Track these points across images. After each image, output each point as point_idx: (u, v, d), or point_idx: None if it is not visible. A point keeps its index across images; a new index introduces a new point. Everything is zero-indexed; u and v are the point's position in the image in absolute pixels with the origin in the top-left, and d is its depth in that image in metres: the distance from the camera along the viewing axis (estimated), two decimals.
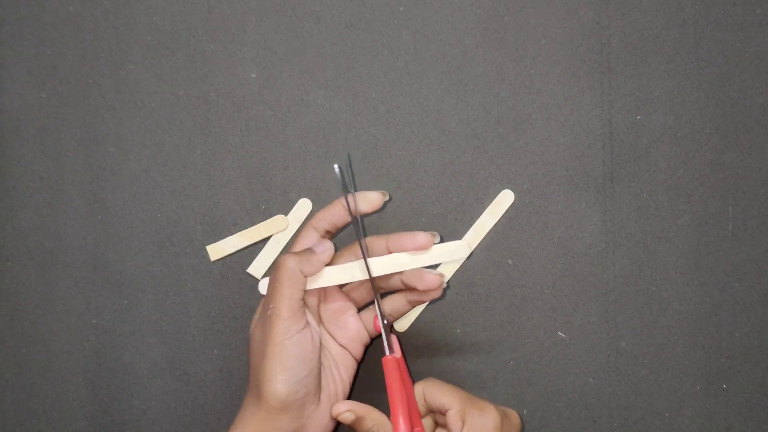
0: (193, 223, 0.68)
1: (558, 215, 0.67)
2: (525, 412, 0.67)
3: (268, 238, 0.68)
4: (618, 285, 0.67)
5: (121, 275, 0.68)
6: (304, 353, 0.58)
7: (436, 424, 0.63)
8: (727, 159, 0.67)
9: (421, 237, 0.61)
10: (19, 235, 0.68)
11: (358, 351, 0.64)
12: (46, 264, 0.68)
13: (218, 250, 0.68)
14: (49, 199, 0.68)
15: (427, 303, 0.67)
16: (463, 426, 0.59)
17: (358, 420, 0.60)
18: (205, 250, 0.68)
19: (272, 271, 0.59)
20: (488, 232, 0.67)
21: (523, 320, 0.67)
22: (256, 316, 0.62)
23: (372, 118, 0.68)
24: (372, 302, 0.64)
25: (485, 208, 0.67)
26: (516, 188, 0.67)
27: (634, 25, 0.67)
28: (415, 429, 0.60)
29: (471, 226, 0.67)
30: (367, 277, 0.61)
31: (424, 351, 0.68)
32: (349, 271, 0.61)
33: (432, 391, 0.61)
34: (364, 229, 0.61)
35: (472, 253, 0.66)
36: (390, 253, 0.62)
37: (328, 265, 0.61)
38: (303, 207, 0.68)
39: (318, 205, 0.68)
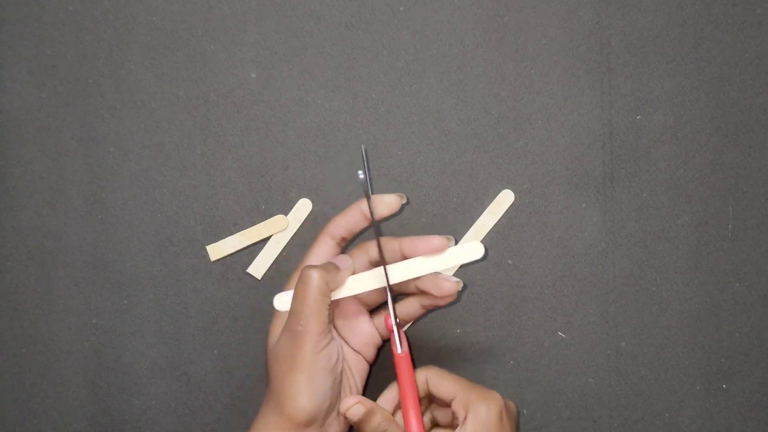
0: (193, 223, 0.68)
1: (558, 215, 0.67)
2: (525, 412, 0.68)
3: (268, 238, 0.68)
4: (618, 285, 0.67)
5: (121, 275, 0.68)
6: (330, 366, 0.59)
7: (433, 425, 0.63)
8: (727, 159, 0.67)
9: (436, 241, 0.60)
10: (19, 235, 0.68)
11: (371, 354, 0.64)
12: (46, 264, 0.68)
13: (218, 250, 0.68)
14: (49, 199, 0.68)
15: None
16: (466, 414, 0.59)
17: (367, 415, 0.59)
18: (205, 250, 0.68)
19: (298, 285, 0.59)
20: (488, 232, 0.67)
21: (523, 320, 0.67)
22: (274, 328, 0.62)
23: (372, 118, 0.68)
24: (383, 303, 0.64)
25: (485, 208, 0.67)
26: (516, 188, 0.67)
27: (634, 25, 0.67)
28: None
29: (471, 226, 0.67)
30: (385, 285, 0.61)
31: (424, 351, 0.68)
32: (367, 280, 0.61)
33: (435, 379, 0.61)
34: (380, 231, 0.61)
35: (486, 252, 0.66)
36: (403, 256, 0.61)
37: None
38: (303, 207, 0.68)
39: (318, 205, 0.68)
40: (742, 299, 0.67)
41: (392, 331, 0.61)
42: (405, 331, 0.67)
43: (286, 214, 0.68)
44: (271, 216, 0.68)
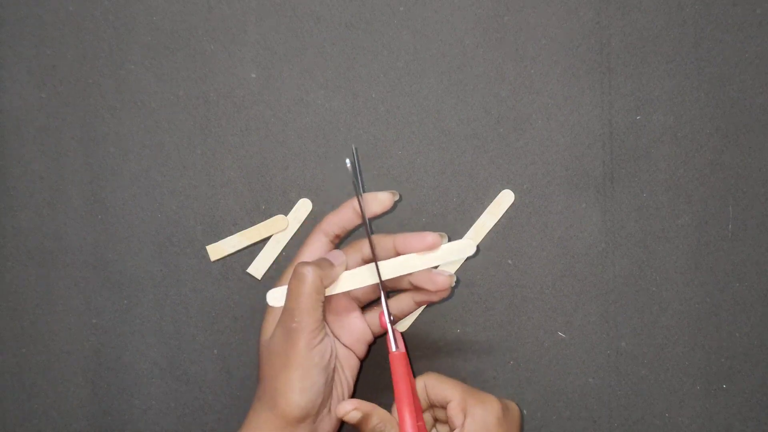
0: (193, 223, 0.68)
1: (558, 215, 0.67)
2: (525, 412, 0.67)
3: (268, 238, 0.68)
4: (618, 285, 0.67)
5: (121, 275, 0.68)
6: (324, 362, 0.59)
7: (435, 420, 0.63)
8: (727, 159, 0.67)
9: (430, 238, 0.61)
10: (19, 235, 0.68)
11: (363, 351, 0.64)
12: (46, 264, 0.68)
13: (218, 250, 0.68)
14: (49, 199, 0.68)
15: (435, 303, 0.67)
16: (465, 418, 0.59)
17: (365, 418, 0.60)
18: (205, 250, 0.68)
19: (293, 281, 0.59)
20: (488, 232, 0.67)
21: (523, 320, 0.67)
22: (267, 324, 0.62)
23: (372, 118, 0.68)
24: (375, 300, 0.64)
25: (485, 208, 0.67)
26: (516, 188, 0.67)
27: (634, 25, 0.67)
28: (418, 423, 0.60)
29: (471, 226, 0.67)
30: (378, 281, 0.61)
31: (424, 351, 0.68)
32: (360, 276, 0.61)
33: (433, 385, 0.61)
34: (371, 229, 0.61)
35: (478, 250, 0.66)
36: (397, 252, 0.61)
37: None
38: (303, 207, 0.68)
39: (318, 205, 0.68)
40: (742, 299, 0.67)
41: (387, 330, 0.61)
42: (401, 331, 0.67)
43: (286, 214, 0.68)
44: (271, 216, 0.68)
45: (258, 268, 0.68)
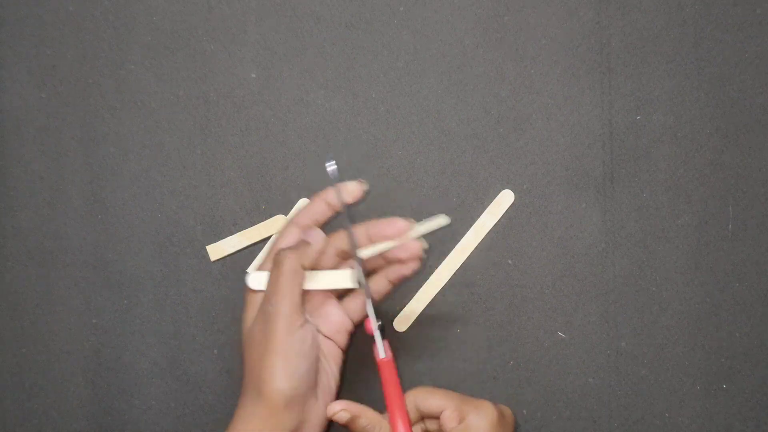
0: (193, 223, 0.68)
1: (558, 215, 0.67)
2: (525, 412, 0.67)
3: (268, 238, 0.68)
4: (618, 285, 0.67)
5: (121, 275, 0.68)
6: (305, 349, 0.58)
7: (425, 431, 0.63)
8: (727, 159, 0.67)
9: (401, 223, 0.60)
10: (19, 235, 0.68)
11: (344, 341, 0.64)
12: (46, 264, 0.68)
13: (218, 250, 0.68)
14: (49, 199, 0.68)
15: (409, 280, 0.65)
16: (459, 424, 0.59)
17: (353, 419, 0.60)
18: (205, 250, 0.68)
19: (273, 269, 0.59)
20: (488, 232, 0.67)
21: (523, 320, 0.67)
22: (248, 313, 0.62)
23: (372, 118, 0.68)
24: (351, 289, 0.64)
25: (485, 208, 0.67)
26: (516, 188, 0.67)
27: (634, 25, 0.67)
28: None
29: (471, 226, 0.67)
30: (353, 285, 0.61)
31: (424, 351, 0.68)
32: (340, 276, 0.61)
33: (424, 397, 0.61)
34: (349, 220, 0.61)
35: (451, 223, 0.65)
36: (371, 240, 0.61)
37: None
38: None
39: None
40: (742, 299, 0.67)
41: (374, 336, 0.61)
42: (401, 333, 0.67)
43: (286, 214, 0.68)
44: (271, 216, 0.68)
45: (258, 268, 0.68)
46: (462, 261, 0.67)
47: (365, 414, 0.60)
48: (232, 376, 0.68)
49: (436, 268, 0.67)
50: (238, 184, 0.68)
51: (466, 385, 0.67)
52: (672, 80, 0.67)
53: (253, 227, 0.67)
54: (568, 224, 0.67)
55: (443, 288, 0.67)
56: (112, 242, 0.68)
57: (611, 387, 0.67)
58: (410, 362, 0.67)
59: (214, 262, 0.68)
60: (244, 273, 0.67)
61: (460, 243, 0.67)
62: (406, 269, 0.61)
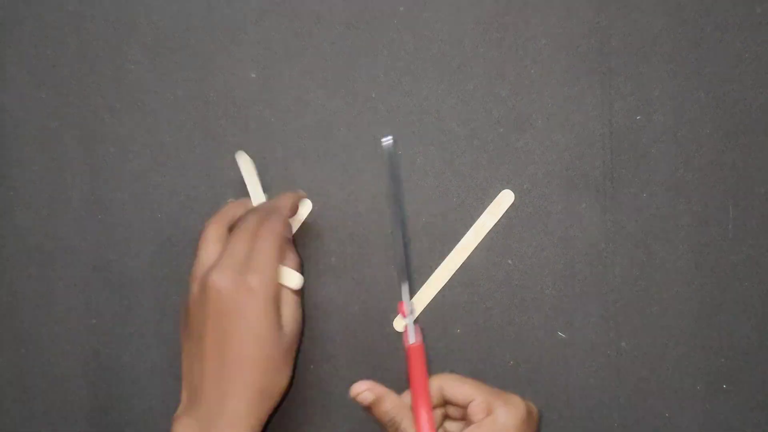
0: (193, 223, 0.68)
1: (558, 215, 0.67)
2: None
3: None
4: (618, 285, 0.67)
5: (121, 275, 0.68)
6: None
7: (445, 417, 0.62)
8: (727, 159, 0.67)
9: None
10: (19, 235, 0.68)
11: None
12: (46, 264, 0.68)
13: None
14: (49, 199, 0.68)
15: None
16: (487, 416, 0.58)
17: (377, 401, 0.59)
18: None
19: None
20: (488, 232, 0.67)
21: (523, 320, 0.67)
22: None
23: (372, 118, 0.68)
24: None
25: (485, 208, 0.67)
26: (516, 188, 0.67)
27: (634, 25, 0.67)
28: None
29: (471, 226, 0.67)
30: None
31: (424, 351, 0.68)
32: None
33: (452, 384, 0.60)
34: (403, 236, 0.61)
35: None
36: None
37: None
38: (303, 207, 0.68)
39: (318, 206, 0.68)
40: (742, 299, 0.67)
41: (406, 321, 0.60)
42: (400, 333, 0.67)
43: None
44: None
45: None
46: (462, 261, 0.67)
47: (390, 398, 0.59)
48: None
49: (436, 268, 0.67)
50: (238, 184, 0.68)
51: None
52: (672, 80, 0.67)
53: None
54: (568, 224, 0.67)
55: (443, 288, 0.67)
56: (112, 242, 0.68)
57: (611, 387, 0.67)
58: None
59: None
60: None
61: (460, 243, 0.67)
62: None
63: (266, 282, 0.58)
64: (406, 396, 0.61)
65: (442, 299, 0.67)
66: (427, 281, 0.67)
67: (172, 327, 0.68)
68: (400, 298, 0.67)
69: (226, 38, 0.68)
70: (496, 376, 0.67)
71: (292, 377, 0.61)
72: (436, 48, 0.67)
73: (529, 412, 0.59)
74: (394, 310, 0.67)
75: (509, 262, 0.67)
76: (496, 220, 0.67)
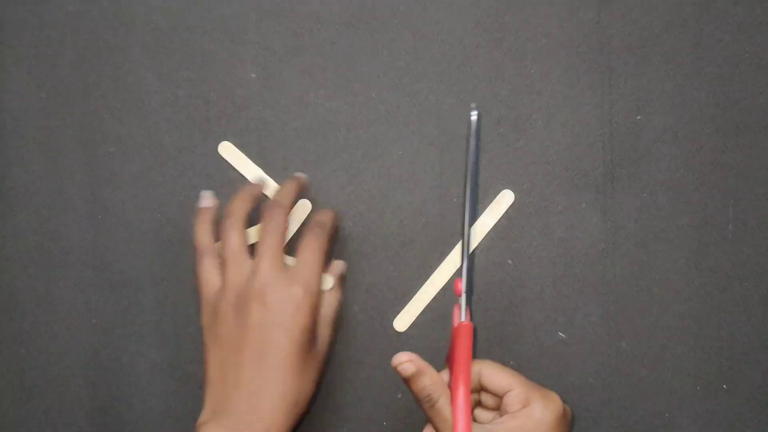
0: (193, 223, 0.68)
1: (558, 215, 0.67)
2: None
3: None
4: (618, 285, 0.67)
5: (121, 275, 0.68)
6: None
7: (477, 403, 0.62)
8: (727, 159, 0.67)
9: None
10: (19, 235, 0.68)
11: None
12: (46, 264, 0.68)
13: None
14: (49, 199, 0.68)
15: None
16: (523, 408, 0.58)
17: (417, 374, 0.58)
18: None
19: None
20: (488, 232, 0.67)
21: (523, 320, 0.67)
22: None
23: (372, 118, 0.68)
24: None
25: (485, 208, 0.67)
26: (516, 188, 0.67)
27: (634, 25, 0.67)
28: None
29: (471, 226, 0.67)
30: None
31: (424, 351, 0.67)
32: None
33: (492, 372, 0.59)
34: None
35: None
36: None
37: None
38: (303, 207, 0.68)
39: (318, 206, 0.68)
40: (742, 299, 0.67)
41: (461, 299, 0.60)
42: (400, 333, 0.67)
43: None
44: None
45: None
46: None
47: (429, 373, 0.58)
48: None
49: (436, 268, 0.67)
50: (238, 184, 0.68)
51: None
52: (672, 80, 0.67)
53: (253, 227, 0.67)
54: (568, 224, 0.67)
55: (443, 288, 0.67)
56: (112, 242, 0.68)
57: (611, 387, 0.67)
58: None
59: None
60: None
61: (460, 243, 0.67)
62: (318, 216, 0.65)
63: (311, 295, 0.60)
64: (445, 374, 0.60)
65: (442, 299, 0.67)
66: (427, 281, 0.67)
67: (172, 327, 0.68)
68: (400, 298, 0.67)
69: (226, 38, 0.68)
70: None
71: (319, 387, 0.61)
72: (436, 48, 0.67)
73: (565, 412, 0.59)
74: (394, 310, 0.67)
75: (509, 262, 0.67)
76: (496, 220, 0.67)
